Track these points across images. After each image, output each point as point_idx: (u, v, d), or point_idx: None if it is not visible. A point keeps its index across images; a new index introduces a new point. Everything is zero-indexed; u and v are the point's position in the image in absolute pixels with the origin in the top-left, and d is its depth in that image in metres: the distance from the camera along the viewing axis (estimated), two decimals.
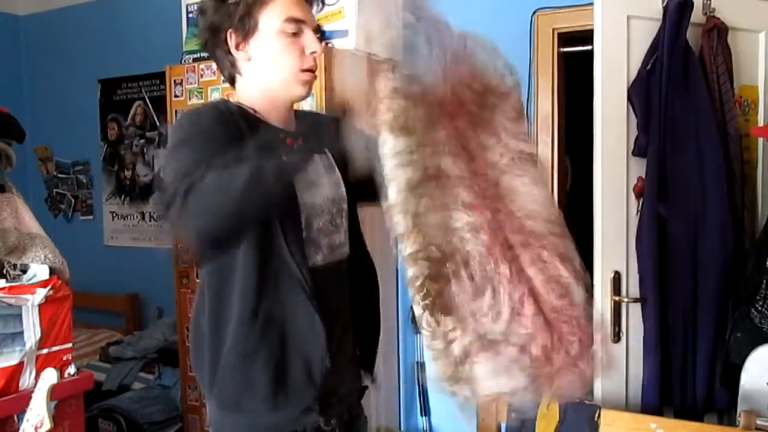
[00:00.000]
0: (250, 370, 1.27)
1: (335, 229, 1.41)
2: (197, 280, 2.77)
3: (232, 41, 1.33)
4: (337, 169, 1.45)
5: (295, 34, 1.33)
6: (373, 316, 1.53)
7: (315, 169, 1.39)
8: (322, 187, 1.39)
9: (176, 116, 2.82)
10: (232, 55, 1.35)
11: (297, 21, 1.32)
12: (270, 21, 1.31)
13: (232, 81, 1.40)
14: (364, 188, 1.21)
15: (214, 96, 2.72)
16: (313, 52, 1.34)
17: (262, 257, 1.26)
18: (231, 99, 1.41)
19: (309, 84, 1.37)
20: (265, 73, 1.35)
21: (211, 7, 1.34)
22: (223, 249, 1.27)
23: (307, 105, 2.47)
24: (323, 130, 1.52)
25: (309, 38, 1.34)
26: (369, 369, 1.52)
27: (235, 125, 1.27)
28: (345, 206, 1.44)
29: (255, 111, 1.36)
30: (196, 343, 1.36)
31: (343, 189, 1.44)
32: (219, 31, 1.33)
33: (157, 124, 3.77)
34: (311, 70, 1.36)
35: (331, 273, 1.38)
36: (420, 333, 2.65)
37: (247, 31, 1.32)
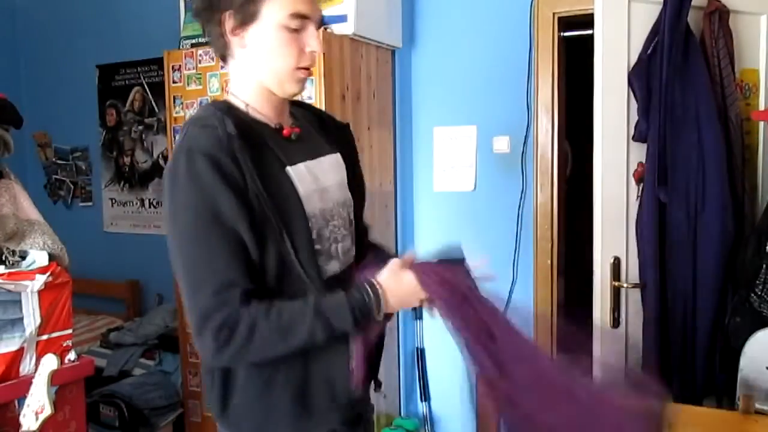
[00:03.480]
0: (271, 394, 1.24)
1: (347, 233, 1.37)
2: None
3: (228, 24, 1.24)
4: (345, 170, 1.41)
5: (297, 30, 1.24)
6: None
7: (324, 171, 1.34)
8: (331, 191, 1.34)
9: (174, 102, 2.81)
10: (225, 37, 1.26)
11: (302, 17, 1.24)
12: (273, 12, 1.22)
13: (223, 59, 1.32)
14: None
15: (212, 82, 2.71)
16: (313, 51, 1.26)
17: (277, 279, 1.21)
18: (225, 94, 1.34)
19: (304, 81, 1.30)
20: (259, 66, 1.27)
21: None
22: None
23: (306, 92, 2.47)
24: (332, 130, 1.47)
25: (311, 36, 1.26)
26: (374, 375, 1.46)
27: (234, 160, 1.16)
28: (352, 209, 1.41)
29: (247, 105, 1.29)
30: (211, 374, 1.29)
31: (349, 192, 1.40)
32: (216, 9, 1.24)
33: (156, 110, 3.75)
34: (308, 68, 1.29)
35: (343, 280, 1.30)
36: (420, 319, 2.66)
37: (246, 17, 1.22)
